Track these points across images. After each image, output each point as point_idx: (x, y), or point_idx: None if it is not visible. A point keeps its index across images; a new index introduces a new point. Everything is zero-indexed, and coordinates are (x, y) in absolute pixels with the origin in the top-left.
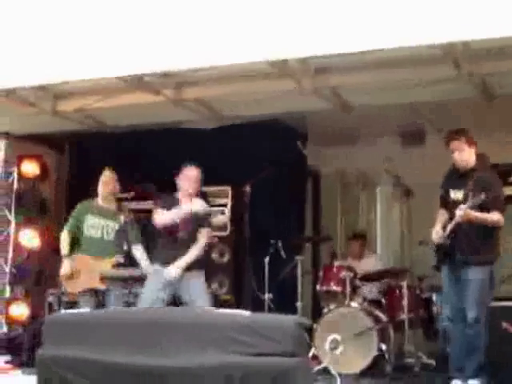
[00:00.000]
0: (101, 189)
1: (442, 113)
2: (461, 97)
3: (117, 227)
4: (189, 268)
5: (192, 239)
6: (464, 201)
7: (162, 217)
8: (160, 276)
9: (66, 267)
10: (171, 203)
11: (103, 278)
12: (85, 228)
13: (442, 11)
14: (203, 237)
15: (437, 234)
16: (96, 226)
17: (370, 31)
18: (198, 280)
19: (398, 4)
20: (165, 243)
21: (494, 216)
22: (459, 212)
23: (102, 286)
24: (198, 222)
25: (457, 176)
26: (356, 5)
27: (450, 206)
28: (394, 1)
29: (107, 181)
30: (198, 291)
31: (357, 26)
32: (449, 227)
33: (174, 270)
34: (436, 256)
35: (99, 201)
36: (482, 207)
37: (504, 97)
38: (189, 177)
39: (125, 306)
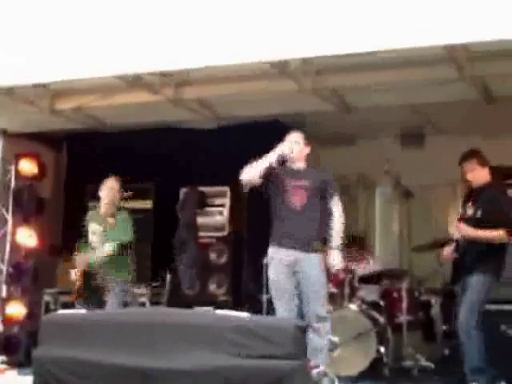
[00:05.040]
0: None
1: (443, 114)
2: (461, 98)
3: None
4: None
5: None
6: (473, 216)
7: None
8: None
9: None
10: None
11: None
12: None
13: (443, 13)
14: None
15: (446, 252)
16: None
17: (370, 32)
18: None
19: (399, 5)
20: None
21: (490, 233)
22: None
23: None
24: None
25: (472, 194)
26: (357, 6)
27: (465, 222)
28: (394, 2)
29: (104, 189)
30: None
31: (358, 27)
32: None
33: None
34: (451, 274)
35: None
36: (485, 224)
37: (505, 99)
38: None
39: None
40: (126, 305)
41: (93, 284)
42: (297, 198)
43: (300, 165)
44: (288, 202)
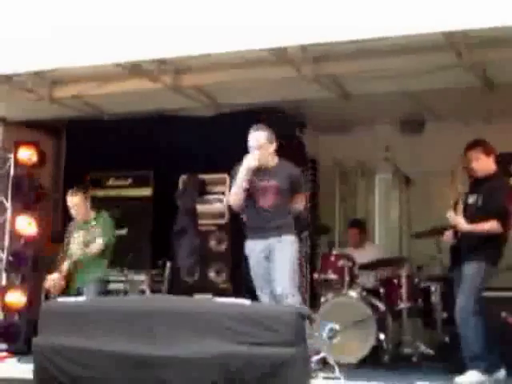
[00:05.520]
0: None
1: (442, 101)
2: (461, 85)
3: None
4: None
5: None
6: (474, 205)
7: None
8: None
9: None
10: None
11: None
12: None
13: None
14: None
15: (447, 236)
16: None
17: (370, 19)
18: None
19: None
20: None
21: (485, 225)
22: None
23: None
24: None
25: (475, 183)
26: None
27: (466, 209)
28: None
29: (70, 207)
30: None
31: (357, 13)
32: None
33: None
34: (450, 258)
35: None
36: (482, 213)
37: (504, 85)
38: None
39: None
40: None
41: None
42: (265, 200)
43: (270, 163)
44: (257, 203)
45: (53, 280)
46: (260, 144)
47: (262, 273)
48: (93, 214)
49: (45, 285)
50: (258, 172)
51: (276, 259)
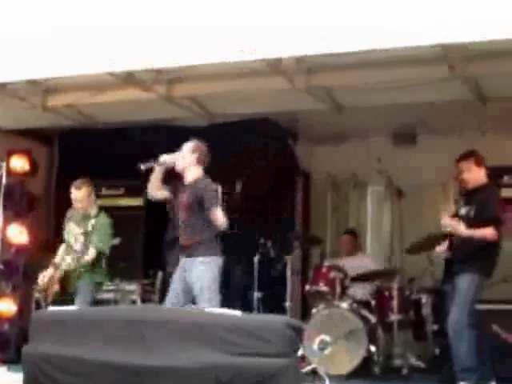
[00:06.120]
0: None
1: (435, 114)
2: (454, 98)
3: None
4: None
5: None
6: (465, 216)
7: None
8: None
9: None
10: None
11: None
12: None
13: (436, 12)
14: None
15: (440, 249)
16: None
17: (364, 31)
18: None
19: (392, 5)
20: None
21: (484, 231)
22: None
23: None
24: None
25: (466, 194)
26: (350, 5)
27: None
28: (388, 1)
29: (74, 200)
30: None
31: (351, 26)
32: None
33: None
34: (444, 271)
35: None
36: (475, 222)
37: (497, 99)
38: None
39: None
40: (95, 303)
41: (69, 289)
42: (181, 214)
43: (188, 178)
44: (178, 218)
45: (46, 276)
46: (184, 152)
47: (175, 287)
48: (94, 209)
49: (39, 282)
50: (180, 186)
51: (193, 279)
